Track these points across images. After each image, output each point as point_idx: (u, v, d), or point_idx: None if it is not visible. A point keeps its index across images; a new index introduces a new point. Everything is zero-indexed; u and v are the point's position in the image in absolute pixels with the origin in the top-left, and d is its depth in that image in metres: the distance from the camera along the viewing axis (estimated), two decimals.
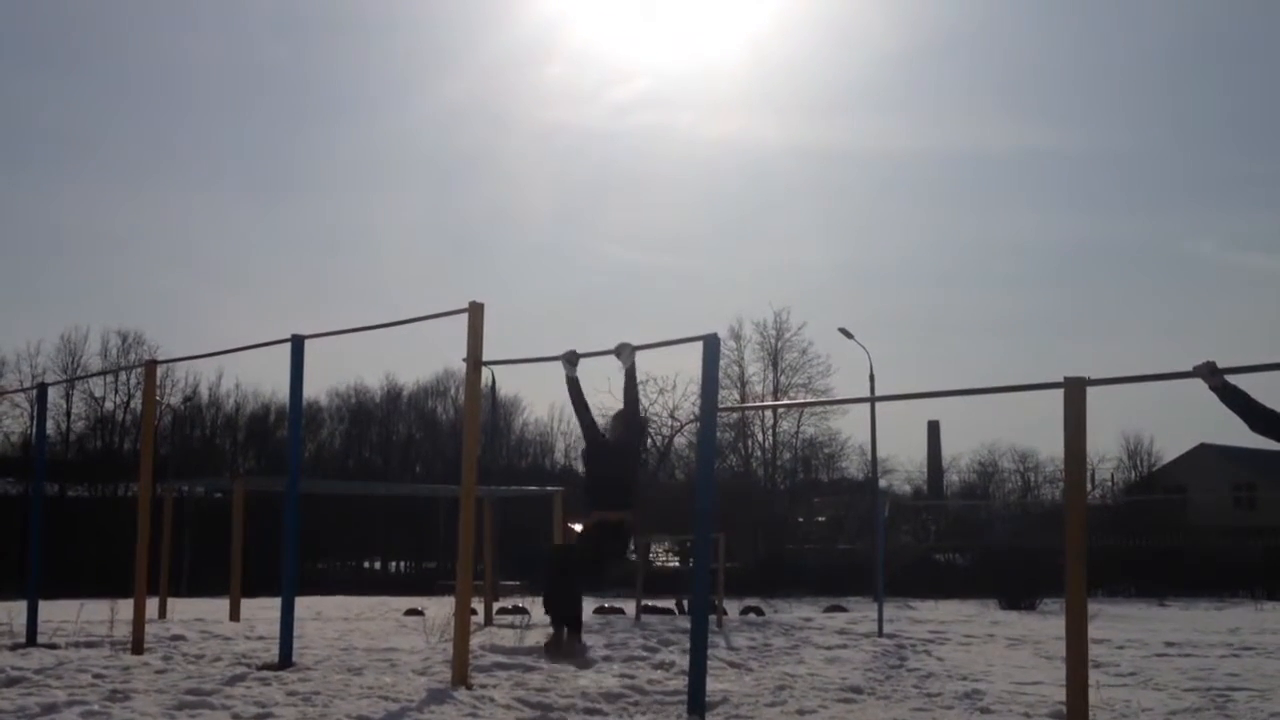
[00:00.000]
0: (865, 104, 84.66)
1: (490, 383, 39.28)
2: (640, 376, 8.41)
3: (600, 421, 8.46)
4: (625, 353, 8.12)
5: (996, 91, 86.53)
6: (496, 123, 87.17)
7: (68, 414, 57.31)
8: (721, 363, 8.38)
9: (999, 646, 14.65)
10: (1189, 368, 6.58)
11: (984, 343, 79.58)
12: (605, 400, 34.09)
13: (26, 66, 76.44)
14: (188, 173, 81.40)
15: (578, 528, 8.25)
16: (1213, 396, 6.39)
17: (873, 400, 40.42)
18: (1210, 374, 6.34)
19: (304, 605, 17.01)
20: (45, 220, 76.76)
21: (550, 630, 8.02)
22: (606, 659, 11.08)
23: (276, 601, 10.64)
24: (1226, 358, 6.38)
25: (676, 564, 40.93)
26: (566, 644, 7.79)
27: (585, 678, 9.55)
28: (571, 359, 8.37)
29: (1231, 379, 6.39)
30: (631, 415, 8.25)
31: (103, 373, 58.48)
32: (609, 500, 7.93)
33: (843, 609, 26.81)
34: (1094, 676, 8.12)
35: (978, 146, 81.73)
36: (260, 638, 12.30)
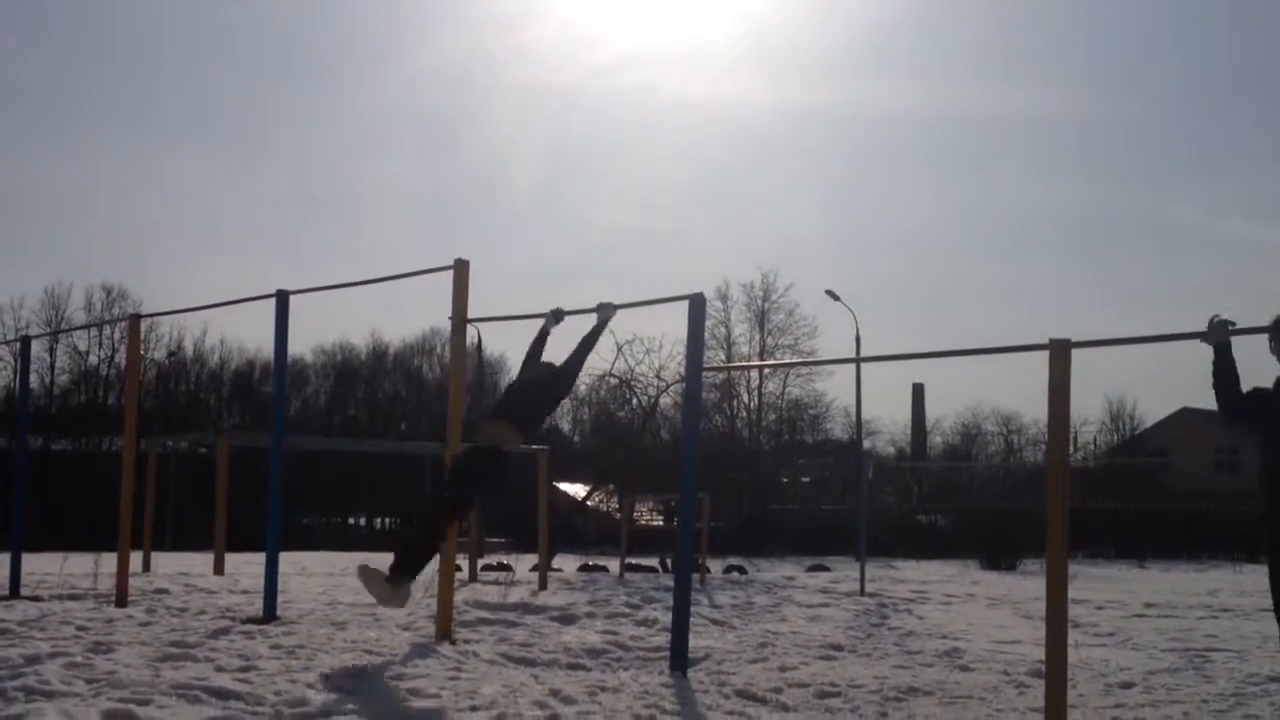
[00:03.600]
0: (855, 67, 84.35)
1: (476, 341, 39.19)
2: (626, 336, 8.41)
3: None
4: (605, 309, 8.11)
5: (984, 57, 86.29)
6: (484, 82, 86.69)
7: (51, 368, 57.18)
8: (708, 324, 8.34)
9: (979, 606, 14.78)
10: (1172, 331, 6.57)
11: (968, 306, 79.77)
12: (589, 357, 34.04)
13: (10, 21, 75.60)
14: (175, 128, 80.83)
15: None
16: (1206, 355, 6.34)
17: (858, 361, 40.47)
18: (1222, 332, 6.23)
19: (288, 560, 17.02)
20: (29, 174, 76.18)
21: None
22: (590, 615, 11.14)
23: (260, 556, 10.66)
24: (1209, 324, 6.35)
25: (660, 523, 41.10)
26: (388, 578, 7.46)
27: (569, 633, 9.60)
28: (557, 315, 8.36)
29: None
30: (570, 363, 8.09)
31: (86, 326, 58.25)
32: (503, 412, 7.83)
33: (825, 568, 26.99)
34: (1073, 636, 8.19)
35: (965, 111, 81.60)
36: (244, 592, 12.33)
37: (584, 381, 39.82)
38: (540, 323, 8.40)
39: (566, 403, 65.00)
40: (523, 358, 8.38)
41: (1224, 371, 6.29)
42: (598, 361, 36.59)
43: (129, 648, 7.29)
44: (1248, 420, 6.42)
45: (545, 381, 8.01)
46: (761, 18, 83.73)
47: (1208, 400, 6.62)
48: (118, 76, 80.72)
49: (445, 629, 8.57)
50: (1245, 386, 6.31)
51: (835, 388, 75.98)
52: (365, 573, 7.28)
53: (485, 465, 7.70)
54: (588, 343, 8.05)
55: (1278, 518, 6.34)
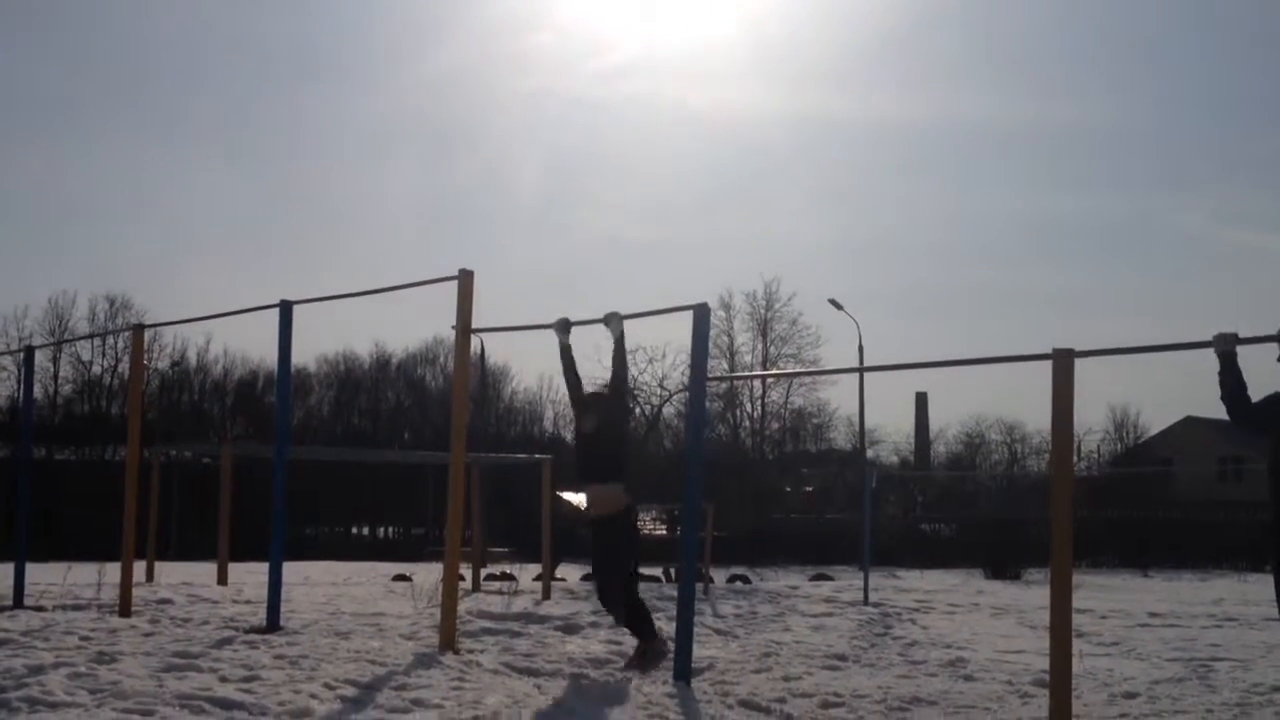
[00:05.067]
0: (857, 74, 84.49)
1: (480, 351, 39.21)
2: (630, 346, 8.44)
3: (590, 389, 8.49)
4: (614, 321, 8.13)
5: (988, 65, 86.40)
6: (486, 90, 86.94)
7: (55, 377, 57.19)
8: (711, 333, 8.34)
9: (983, 616, 14.75)
10: (1177, 340, 6.63)
11: (973, 316, 79.70)
12: (595, 370, 34.02)
13: (13, 29, 75.82)
14: (177, 139, 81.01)
15: (571, 497, 8.34)
16: (1209, 365, 6.42)
17: (861, 371, 40.49)
18: (1228, 341, 6.35)
19: (292, 570, 17.03)
20: (33, 184, 76.33)
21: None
22: (593, 625, 11.13)
23: (264, 566, 10.64)
24: (1214, 332, 6.39)
25: (664, 532, 41.07)
26: (639, 654, 8.06)
27: (572, 643, 9.60)
28: (564, 326, 8.38)
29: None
30: (618, 385, 8.28)
31: (90, 336, 58.34)
32: (597, 473, 8.00)
33: (829, 578, 26.95)
34: (1077, 646, 8.18)
35: (969, 118, 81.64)
36: (248, 602, 12.32)
37: (586, 390, 39.77)
38: (552, 337, 8.44)
39: (569, 412, 65.14)
40: (565, 386, 8.55)
41: (1230, 378, 6.36)
42: (600, 371, 36.61)
43: (132, 658, 7.28)
44: (1256, 422, 6.51)
45: (605, 416, 8.14)
46: (763, 24, 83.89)
47: (1211, 409, 6.68)
48: (121, 85, 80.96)
49: (449, 639, 8.56)
50: (1254, 394, 6.40)
51: (838, 397, 76.04)
52: (639, 665, 7.94)
53: (616, 539, 8.04)
54: (620, 358, 8.22)
55: None
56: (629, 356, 8.49)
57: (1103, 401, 60.17)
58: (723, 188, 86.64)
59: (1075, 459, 8.62)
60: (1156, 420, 61.77)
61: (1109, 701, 7.61)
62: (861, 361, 37.99)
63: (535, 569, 20.12)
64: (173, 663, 7.10)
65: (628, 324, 8.24)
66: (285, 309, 9.76)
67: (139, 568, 13.71)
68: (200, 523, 37.03)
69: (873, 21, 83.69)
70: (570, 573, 25.67)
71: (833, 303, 40.01)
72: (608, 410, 8.16)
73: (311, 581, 17.87)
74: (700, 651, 8.79)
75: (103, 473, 47.23)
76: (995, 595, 19.42)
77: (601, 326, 8.26)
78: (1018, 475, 56.34)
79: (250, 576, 17.14)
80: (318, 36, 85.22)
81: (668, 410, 41.01)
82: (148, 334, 13.91)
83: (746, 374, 57.79)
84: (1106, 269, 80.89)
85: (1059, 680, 6.29)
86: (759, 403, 54.70)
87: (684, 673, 7.54)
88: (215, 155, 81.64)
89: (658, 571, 25.90)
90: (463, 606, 11.01)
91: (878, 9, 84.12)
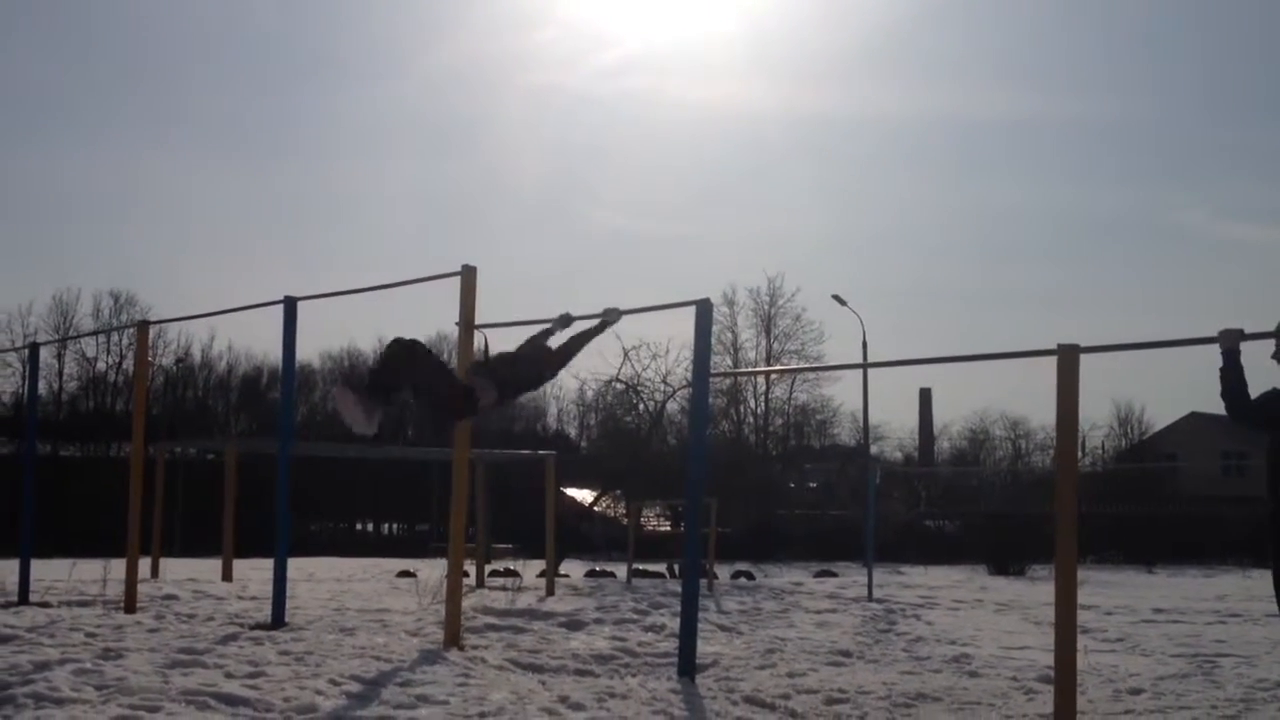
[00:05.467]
0: (859, 70, 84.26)
1: (483, 346, 39.08)
2: (633, 341, 8.38)
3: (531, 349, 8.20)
4: (611, 314, 8.12)
5: (989, 59, 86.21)
6: (488, 87, 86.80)
7: (60, 374, 57.23)
8: (714, 329, 8.32)
9: (987, 612, 14.75)
10: (1180, 337, 6.62)
11: (976, 311, 79.54)
12: (595, 363, 34.12)
13: (17, 26, 75.86)
14: (180, 135, 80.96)
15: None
16: (1213, 360, 6.39)
17: (865, 366, 40.49)
18: (1233, 337, 6.30)
19: (296, 566, 17.06)
20: (38, 181, 76.34)
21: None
22: (598, 621, 11.14)
23: (269, 562, 10.66)
24: (1216, 328, 6.37)
25: (668, 528, 41.05)
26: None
27: (576, 639, 9.61)
28: (565, 321, 8.35)
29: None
30: (562, 354, 8.03)
31: (95, 333, 58.46)
32: (488, 369, 7.69)
33: (833, 574, 26.93)
34: (1082, 642, 8.17)
35: (971, 114, 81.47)
36: (253, 598, 12.34)
37: (590, 387, 39.69)
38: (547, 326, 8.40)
39: (573, 409, 65.06)
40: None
41: (1231, 374, 6.33)
42: (604, 366, 36.60)
43: (138, 654, 7.29)
44: (1255, 418, 6.48)
45: (535, 359, 7.95)
46: (764, 20, 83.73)
47: (1215, 405, 6.64)
48: (125, 82, 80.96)
49: (453, 635, 8.57)
50: (1254, 390, 6.37)
51: (842, 392, 75.92)
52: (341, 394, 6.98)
53: (443, 388, 7.34)
54: (585, 337, 8.03)
55: None
56: (630, 357, 8.35)
57: (1107, 397, 60.18)
58: (726, 183, 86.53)
59: (1079, 455, 8.61)
60: (1161, 416, 61.81)
61: (1114, 697, 7.61)
62: (865, 357, 38.01)
63: (539, 565, 20.12)
64: (178, 659, 7.11)
65: (631, 319, 8.21)
66: (289, 305, 9.78)
67: (144, 564, 13.73)
68: (205, 519, 37.03)
69: (874, 16, 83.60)
70: (574, 569, 25.69)
71: (837, 298, 40.01)
72: (543, 358, 7.95)
73: (316, 578, 17.88)
74: (704, 648, 8.80)
75: (107, 469, 47.25)
76: (999, 591, 19.41)
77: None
78: (1022, 471, 56.23)
79: (255, 573, 17.15)
80: (321, 33, 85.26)
81: (671, 406, 40.90)
82: (152, 330, 13.92)
83: (750, 370, 57.83)
84: (1109, 265, 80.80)
85: (1064, 676, 6.29)
86: (763, 399, 54.60)
87: (689, 669, 7.55)
88: (219, 151, 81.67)
89: (662, 568, 25.89)
90: (467, 603, 11.02)
91: (879, 4, 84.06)
